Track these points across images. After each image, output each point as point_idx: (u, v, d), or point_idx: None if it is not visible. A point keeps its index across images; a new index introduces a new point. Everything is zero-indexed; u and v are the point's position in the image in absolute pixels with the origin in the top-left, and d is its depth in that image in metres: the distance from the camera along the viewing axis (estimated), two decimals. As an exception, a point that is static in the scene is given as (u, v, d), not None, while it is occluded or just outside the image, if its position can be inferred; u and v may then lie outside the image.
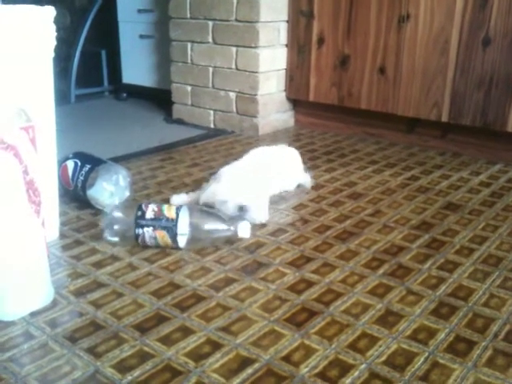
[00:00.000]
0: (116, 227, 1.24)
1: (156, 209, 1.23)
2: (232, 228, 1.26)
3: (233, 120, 2.30)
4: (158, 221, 1.20)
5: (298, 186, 1.62)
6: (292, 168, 1.62)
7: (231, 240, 1.28)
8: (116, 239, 1.24)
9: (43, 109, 1.19)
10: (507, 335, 0.94)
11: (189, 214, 1.22)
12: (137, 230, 1.21)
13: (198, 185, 1.65)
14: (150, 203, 1.25)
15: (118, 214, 1.24)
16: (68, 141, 1.45)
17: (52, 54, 1.19)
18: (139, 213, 1.21)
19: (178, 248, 1.23)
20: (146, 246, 1.24)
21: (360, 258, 1.21)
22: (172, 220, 1.21)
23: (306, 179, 1.63)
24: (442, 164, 1.88)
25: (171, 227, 1.20)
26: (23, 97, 1.13)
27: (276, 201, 1.53)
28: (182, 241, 1.21)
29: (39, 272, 1.02)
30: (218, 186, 1.36)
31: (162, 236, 1.20)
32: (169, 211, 1.22)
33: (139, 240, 1.22)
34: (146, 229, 1.20)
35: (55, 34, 1.18)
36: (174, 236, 1.20)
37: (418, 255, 1.23)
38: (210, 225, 1.24)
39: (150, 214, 1.21)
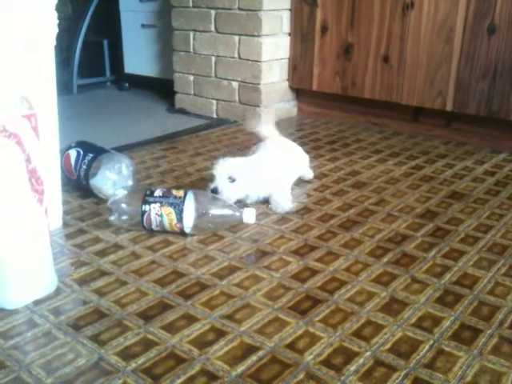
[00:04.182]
0: (123, 217, 1.24)
1: (165, 189, 1.25)
2: (237, 214, 1.26)
3: (235, 109, 2.29)
4: (166, 198, 1.22)
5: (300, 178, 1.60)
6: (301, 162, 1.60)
7: (235, 228, 1.27)
8: (119, 220, 1.25)
9: (45, 97, 1.19)
10: (513, 323, 0.94)
11: (194, 199, 1.22)
12: (143, 207, 1.21)
13: (200, 174, 1.64)
14: (158, 187, 1.27)
15: (123, 202, 1.24)
16: (71, 130, 1.45)
17: (54, 42, 1.18)
18: (148, 192, 1.23)
19: (182, 232, 1.23)
20: (149, 235, 1.24)
21: (364, 246, 1.21)
22: (180, 197, 1.22)
23: (309, 173, 1.62)
24: (447, 153, 1.86)
25: (178, 204, 1.21)
26: (25, 85, 1.12)
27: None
28: (187, 220, 1.21)
29: (42, 260, 1.01)
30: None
31: (168, 213, 1.20)
32: (177, 192, 1.24)
33: (144, 219, 1.21)
34: (152, 205, 1.21)
35: (57, 21, 1.17)
36: (179, 213, 1.20)
37: (422, 244, 1.22)
38: (216, 210, 1.24)
39: (158, 193, 1.23)
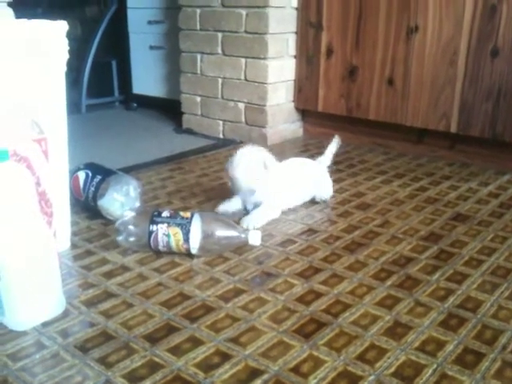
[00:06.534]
0: (130, 238, 1.26)
1: (172, 211, 1.28)
2: (243, 236, 1.27)
3: (242, 130, 2.32)
4: (173, 218, 1.25)
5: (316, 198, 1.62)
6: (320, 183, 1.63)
7: (240, 249, 1.29)
8: (127, 240, 1.27)
9: (56, 120, 1.21)
10: (516, 347, 0.94)
11: (201, 220, 1.24)
12: (151, 227, 1.23)
13: (207, 195, 1.66)
14: (166, 209, 1.30)
15: (131, 224, 1.26)
16: (79, 151, 1.47)
17: (64, 68, 1.21)
18: (156, 213, 1.26)
19: (189, 253, 1.24)
20: (156, 256, 1.25)
21: (368, 269, 1.22)
22: (187, 218, 1.25)
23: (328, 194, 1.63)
24: (451, 175, 1.88)
25: (185, 224, 1.23)
26: (36, 109, 1.15)
27: (285, 211, 1.54)
28: (193, 241, 1.23)
29: (51, 282, 1.03)
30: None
31: (175, 233, 1.22)
32: (184, 213, 1.27)
33: (151, 239, 1.23)
34: (160, 225, 1.23)
35: (68, 47, 1.20)
36: (186, 233, 1.22)
37: (426, 266, 1.23)
38: (222, 232, 1.26)
39: (165, 214, 1.26)
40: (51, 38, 1.16)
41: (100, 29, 2.95)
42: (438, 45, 1.93)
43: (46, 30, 1.15)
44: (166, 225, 1.23)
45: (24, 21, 1.15)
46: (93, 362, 0.90)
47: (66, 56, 1.20)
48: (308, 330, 0.99)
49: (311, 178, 1.61)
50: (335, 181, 1.80)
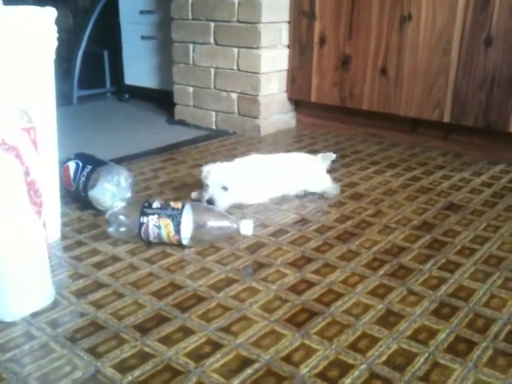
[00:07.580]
0: (121, 229, 1.25)
1: (163, 201, 1.27)
2: (235, 225, 1.26)
3: (235, 121, 2.30)
4: (164, 210, 1.24)
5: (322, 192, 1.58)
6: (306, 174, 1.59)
7: (232, 239, 1.28)
8: (118, 231, 1.26)
9: (45, 110, 1.20)
10: (508, 336, 0.94)
11: (192, 211, 1.23)
12: (141, 218, 1.22)
13: (199, 186, 1.65)
14: (156, 199, 1.28)
15: (121, 214, 1.25)
16: (70, 142, 1.46)
17: (53, 56, 1.20)
18: (146, 204, 1.25)
19: (180, 243, 1.23)
20: (147, 246, 1.25)
21: (361, 258, 1.21)
22: (177, 209, 1.23)
23: (329, 187, 1.59)
24: (444, 164, 1.87)
25: (176, 215, 1.22)
26: (25, 98, 1.13)
27: (278, 201, 1.53)
28: (185, 232, 1.22)
29: (40, 273, 1.02)
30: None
31: (166, 224, 1.21)
32: (175, 204, 1.26)
33: (142, 231, 1.22)
34: (150, 217, 1.22)
35: (57, 35, 1.18)
36: (177, 224, 1.21)
37: (419, 256, 1.22)
38: (213, 222, 1.25)
39: (156, 205, 1.25)
40: (40, 24, 1.14)
41: (91, 19, 2.92)
42: (431, 34, 1.92)
43: (35, 16, 1.14)
44: (156, 216, 1.22)
45: (12, 7, 1.13)
46: (82, 353, 0.89)
47: (55, 43, 1.19)
48: (300, 319, 0.98)
49: (295, 172, 1.57)
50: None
